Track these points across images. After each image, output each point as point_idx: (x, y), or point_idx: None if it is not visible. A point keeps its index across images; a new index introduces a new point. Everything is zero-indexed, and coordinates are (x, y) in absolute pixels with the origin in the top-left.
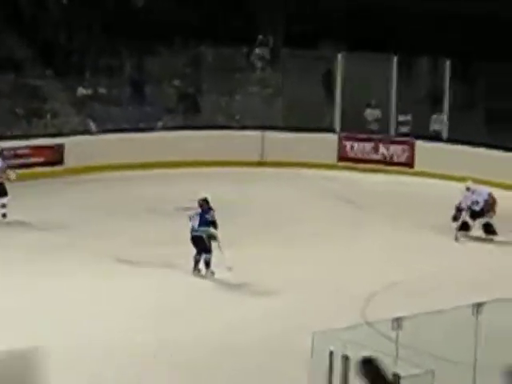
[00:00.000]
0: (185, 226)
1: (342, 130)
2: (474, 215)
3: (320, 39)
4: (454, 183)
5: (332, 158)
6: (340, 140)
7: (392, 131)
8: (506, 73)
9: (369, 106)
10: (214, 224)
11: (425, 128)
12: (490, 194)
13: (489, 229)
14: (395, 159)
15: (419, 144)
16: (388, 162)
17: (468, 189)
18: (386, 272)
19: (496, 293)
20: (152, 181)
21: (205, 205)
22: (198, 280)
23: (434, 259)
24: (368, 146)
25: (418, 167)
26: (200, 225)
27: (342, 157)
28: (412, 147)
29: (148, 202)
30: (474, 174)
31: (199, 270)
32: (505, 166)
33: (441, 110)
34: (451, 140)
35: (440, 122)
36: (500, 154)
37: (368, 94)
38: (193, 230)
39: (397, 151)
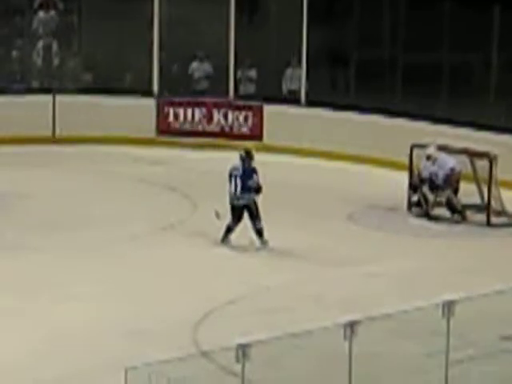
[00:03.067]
0: None
1: (163, 92)
2: (431, 189)
3: None
4: (316, 161)
5: (149, 130)
6: (160, 106)
7: (231, 92)
8: (379, 10)
9: (195, 58)
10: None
11: (276, 87)
12: (453, 169)
13: (452, 206)
14: (236, 130)
15: (269, 109)
16: (227, 134)
17: (429, 157)
18: (225, 285)
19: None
20: None
21: (248, 160)
22: None
23: (297, 263)
24: (198, 113)
25: (267, 140)
26: (243, 190)
27: (163, 129)
28: (259, 114)
29: None
30: (343, 147)
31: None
32: (382, 137)
33: (297, 63)
34: (312, 103)
35: (297, 78)
36: (378, 119)
37: (196, 41)
38: (234, 196)
39: (238, 119)
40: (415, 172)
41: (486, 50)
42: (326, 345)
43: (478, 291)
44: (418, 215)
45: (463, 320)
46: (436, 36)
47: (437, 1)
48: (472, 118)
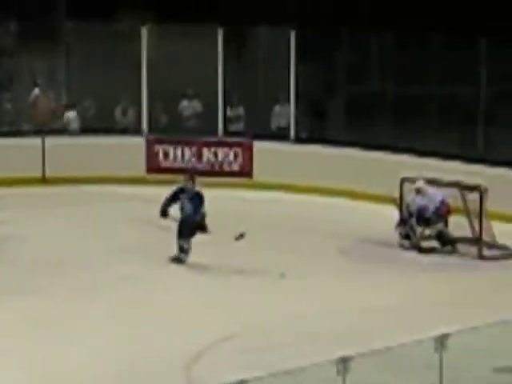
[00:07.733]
0: None
1: (151, 130)
2: (420, 222)
3: (118, 8)
4: (305, 197)
5: (139, 169)
6: (149, 144)
7: (220, 130)
8: (369, 44)
9: (185, 96)
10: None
11: (265, 124)
12: (443, 202)
13: (443, 239)
14: (226, 167)
15: (258, 146)
16: (216, 171)
17: (418, 191)
18: (217, 324)
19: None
20: None
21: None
22: None
23: (283, 302)
24: (188, 151)
25: (258, 177)
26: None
27: (152, 167)
28: (249, 151)
29: None
30: (335, 182)
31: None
32: (372, 171)
33: (286, 100)
34: (300, 139)
35: (285, 115)
36: (367, 154)
37: (184, 80)
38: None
39: (228, 157)
40: (404, 205)
41: (475, 83)
42: (319, 382)
43: (470, 324)
44: (408, 248)
45: (456, 353)
46: (425, 70)
47: (425, 35)
48: (460, 151)
